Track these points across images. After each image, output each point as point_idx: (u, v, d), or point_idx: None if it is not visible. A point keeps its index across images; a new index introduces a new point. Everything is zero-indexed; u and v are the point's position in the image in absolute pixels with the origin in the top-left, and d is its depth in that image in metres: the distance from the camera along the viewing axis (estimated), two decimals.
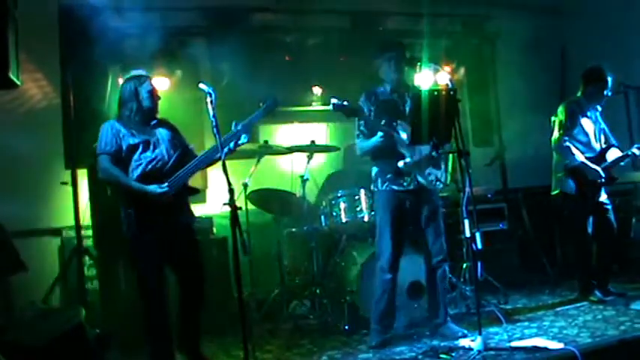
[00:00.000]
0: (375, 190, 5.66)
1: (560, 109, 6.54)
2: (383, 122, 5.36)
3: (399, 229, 5.54)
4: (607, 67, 6.56)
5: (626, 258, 7.69)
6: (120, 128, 4.98)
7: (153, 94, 5.10)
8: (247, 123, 5.02)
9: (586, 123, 6.55)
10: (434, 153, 5.35)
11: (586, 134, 6.53)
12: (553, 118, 6.62)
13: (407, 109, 5.54)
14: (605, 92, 6.53)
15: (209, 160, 5.00)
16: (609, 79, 6.50)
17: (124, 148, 4.93)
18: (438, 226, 5.61)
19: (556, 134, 6.49)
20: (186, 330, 5.08)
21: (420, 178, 5.47)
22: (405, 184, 5.50)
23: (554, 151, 6.55)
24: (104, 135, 4.97)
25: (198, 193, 5.21)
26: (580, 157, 6.42)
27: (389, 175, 5.53)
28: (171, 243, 4.95)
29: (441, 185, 5.67)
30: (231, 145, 4.97)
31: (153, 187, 4.80)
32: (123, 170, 4.91)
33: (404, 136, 5.35)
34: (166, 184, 4.82)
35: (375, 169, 5.66)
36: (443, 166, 5.67)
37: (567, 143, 6.41)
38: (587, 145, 6.52)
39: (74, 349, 4.23)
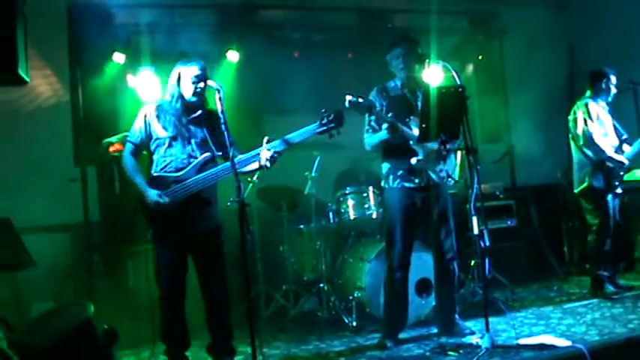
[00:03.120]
0: (386, 187, 5.57)
1: (580, 106, 6.64)
2: (390, 115, 5.29)
3: (410, 226, 5.48)
4: (608, 67, 6.79)
5: (633, 257, 7.70)
6: (153, 118, 4.90)
7: (198, 86, 4.82)
8: (296, 139, 4.78)
9: (604, 117, 6.66)
10: (443, 151, 5.33)
11: (605, 129, 6.63)
12: (571, 117, 6.71)
13: (420, 104, 5.44)
14: (610, 85, 6.72)
15: (223, 175, 4.78)
16: (611, 74, 6.73)
17: (153, 139, 4.89)
18: (448, 224, 5.56)
19: (581, 130, 6.57)
20: (212, 335, 5.04)
21: (432, 175, 5.41)
22: (417, 180, 5.43)
23: (585, 147, 6.59)
24: (136, 122, 4.95)
25: (209, 207, 4.87)
26: (609, 150, 6.54)
27: (400, 172, 5.45)
28: (189, 249, 4.92)
29: (453, 181, 5.59)
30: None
31: (152, 193, 4.74)
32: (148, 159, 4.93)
33: (416, 131, 5.25)
34: (166, 195, 4.72)
35: (386, 166, 5.57)
36: (454, 161, 5.61)
37: (597, 139, 6.52)
38: (590, 139, 6.58)
39: (83, 345, 4.24)
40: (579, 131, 6.59)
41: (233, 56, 7.75)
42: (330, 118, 4.76)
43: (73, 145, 7.00)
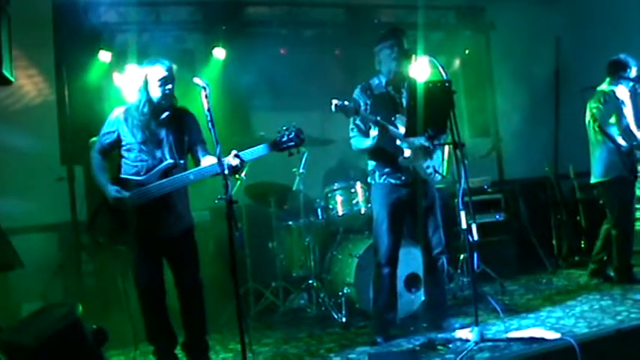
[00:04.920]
0: (372, 183, 5.58)
1: (609, 94, 6.60)
2: (378, 118, 5.24)
3: (397, 222, 5.48)
4: (627, 55, 6.73)
5: None
6: (122, 122, 4.86)
7: (166, 87, 4.80)
8: (248, 157, 4.79)
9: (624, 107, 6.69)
10: (430, 145, 5.34)
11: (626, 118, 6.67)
12: (594, 105, 6.64)
13: (404, 101, 5.46)
14: (628, 73, 6.64)
15: (188, 181, 4.81)
16: (633, 64, 6.65)
17: (123, 144, 4.87)
18: (435, 219, 5.56)
19: (615, 118, 6.54)
20: (187, 331, 5.03)
21: (418, 171, 5.42)
22: (403, 177, 5.43)
23: (622, 135, 6.55)
24: (106, 124, 4.93)
25: (175, 210, 4.87)
26: None
27: (387, 169, 5.45)
28: (161, 249, 4.93)
29: (440, 177, 5.60)
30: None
31: (111, 189, 4.73)
32: (115, 158, 4.91)
33: (402, 129, 5.26)
34: (129, 193, 4.72)
35: (371, 163, 5.57)
36: (440, 157, 5.62)
37: (633, 126, 6.56)
38: (628, 128, 6.62)
39: (72, 345, 4.22)
40: (613, 119, 6.55)
41: (220, 53, 7.73)
42: (291, 136, 4.81)
43: (59, 145, 6.96)
